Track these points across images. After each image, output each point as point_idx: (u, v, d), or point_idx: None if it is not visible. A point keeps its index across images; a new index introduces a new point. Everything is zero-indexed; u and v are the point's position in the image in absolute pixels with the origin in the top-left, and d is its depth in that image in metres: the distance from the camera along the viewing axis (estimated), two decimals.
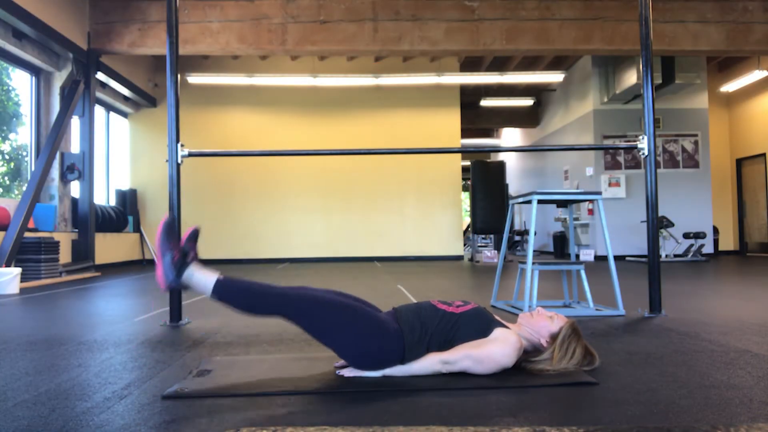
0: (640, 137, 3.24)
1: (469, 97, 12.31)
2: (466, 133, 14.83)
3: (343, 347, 1.77)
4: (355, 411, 1.49)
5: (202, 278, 1.80)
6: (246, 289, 1.79)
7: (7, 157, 7.09)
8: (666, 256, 9.05)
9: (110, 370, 2.00)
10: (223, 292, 1.78)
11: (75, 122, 7.45)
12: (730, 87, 10.43)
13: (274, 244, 10.23)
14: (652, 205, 3.21)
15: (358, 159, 10.34)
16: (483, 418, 1.42)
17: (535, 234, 5.00)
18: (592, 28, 7.49)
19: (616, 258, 9.41)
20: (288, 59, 10.29)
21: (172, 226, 1.85)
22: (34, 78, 7.09)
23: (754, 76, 9.61)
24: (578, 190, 3.38)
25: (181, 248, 1.83)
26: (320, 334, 1.79)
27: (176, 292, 3.06)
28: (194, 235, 1.92)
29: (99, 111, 9.09)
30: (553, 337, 1.87)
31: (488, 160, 9.96)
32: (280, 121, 10.40)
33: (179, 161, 3.06)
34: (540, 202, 3.34)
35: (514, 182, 15.21)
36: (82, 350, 2.35)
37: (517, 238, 13.58)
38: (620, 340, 2.46)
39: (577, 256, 9.54)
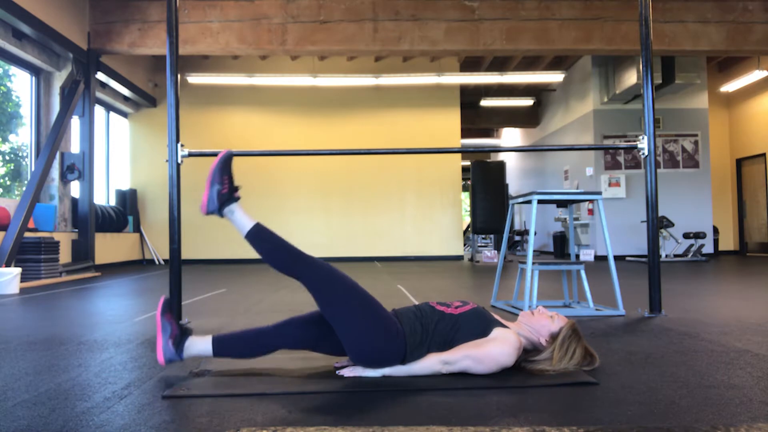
0: (640, 137, 3.24)
1: (469, 97, 12.31)
2: (466, 133, 14.84)
3: (350, 335, 1.76)
4: (355, 411, 1.49)
5: (242, 218, 1.88)
6: (278, 244, 1.86)
7: (7, 157, 7.09)
8: (666, 256, 9.05)
9: (110, 370, 2.00)
10: (257, 236, 1.86)
11: (75, 122, 7.45)
12: (730, 87, 10.43)
13: None
14: (652, 205, 3.21)
15: (358, 159, 10.34)
16: (483, 418, 1.42)
17: (535, 234, 5.00)
18: (592, 28, 7.49)
19: (616, 258, 9.41)
20: (288, 59, 10.29)
21: (230, 161, 1.92)
22: (34, 78, 7.09)
23: (754, 76, 9.61)
24: (578, 190, 3.38)
25: (231, 184, 1.89)
26: (332, 311, 1.77)
27: (176, 298, 3.06)
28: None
29: (99, 111, 9.10)
30: (553, 337, 1.87)
31: (488, 160, 9.97)
32: (280, 121, 10.40)
33: (179, 161, 3.06)
34: (540, 202, 3.34)
35: (514, 182, 15.22)
36: (82, 350, 2.35)
37: (517, 238, 13.59)
38: (620, 340, 2.46)
39: (577, 256, 9.54)
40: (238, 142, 10.21)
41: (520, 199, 3.44)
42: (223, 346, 1.84)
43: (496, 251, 9.85)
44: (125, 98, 9.52)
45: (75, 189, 7.54)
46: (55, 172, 7.17)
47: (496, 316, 1.94)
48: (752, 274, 6.13)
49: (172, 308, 1.90)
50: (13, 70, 6.91)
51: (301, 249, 1.92)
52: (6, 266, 5.41)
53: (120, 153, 10.07)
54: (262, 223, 1.95)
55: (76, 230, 7.44)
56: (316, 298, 1.81)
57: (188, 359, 1.91)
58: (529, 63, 10.83)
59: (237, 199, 1.92)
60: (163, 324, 1.84)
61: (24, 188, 6.83)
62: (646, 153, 3.22)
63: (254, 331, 1.87)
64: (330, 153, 3.47)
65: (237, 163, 8.82)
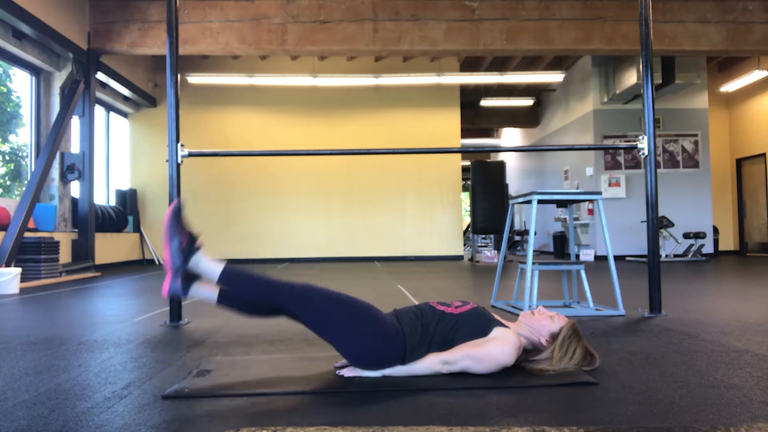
0: (640, 137, 3.24)
1: (469, 97, 12.31)
2: (466, 133, 14.84)
3: (346, 344, 1.77)
4: (355, 411, 1.49)
5: (209, 265, 1.80)
6: (252, 278, 1.79)
7: (7, 157, 7.09)
8: (666, 256, 9.05)
9: (110, 370, 2.00)
10: (230, 278, 1.77)
11: (75, 122, 7.45)
12: (730, 87, 10.43)
13: (274, 244, 10.23)
14: (652, 205, 3.21)
15: (358, 159, 10.34)
16: (483, 418, 1.42)
17: (535, 234, 5.00)
18: (592, 28, 7.49)
19: (616, 258, 9.41)
20: (288, 59, 10.29)
21: (180, 212, 1.85)
22: (34, 78, 7.09)
23: (754, 76, 9.61)
24: (578, 190, 3.38)
25: (189, 234, 1.83)
26: (324, 329, 1.77)
27: (176, 300, 3.05)
28: (177, 212, 1.93)
29: (99, 111, 9.09)
30: (554, 337, 1.87)
31: (488, 160, 9.97)
32: (280, 121, 10.40)
33: (179, 161, 3.06)
34: (540, 202, 3.34)
35: (514, 182, 15.22)
36: (82, 350, 2.35)
37: (517, 238, 13.58)
38: (620, 340, 2.46)
39: (577, 256, 9.54)
40: (238, 142, 10.21)
41: (520, 199, 3.44)
42: (232, 278, 1.75)
43: (496, 251, 9.85)
44: (125, 98, 9.52)
45: (75, 189, 7.54)
46: (55, 172, 7.17)
47: (497, 316, 1.94)
48: (752, 274, 6.13)
49: (183, 215, 1.85)
50: (13, 70, 6.91)
51: (280, 279, 1.87)
52: (6, 266, 5.41)
53: (120, 153, 10.07)
54: (229, 264, 1.88)
55: (76, 230, 7.44)
56: (305, 322, 1.78)
57: (188, 356, 1.90)
58: (529, 63, 10.83)
59: (198, 248, 1.82)
60: (172, 231, 1.77)
61: (24, 188, 6.83)
62: (646, 153, 3.22)
63: (269, 278, 1.78)
64: (330, 153, 3.47)
65: (237, 163, 8.80)
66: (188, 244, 1.81)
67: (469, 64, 10.92)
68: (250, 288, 1.77)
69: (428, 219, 10.51)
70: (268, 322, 3.08)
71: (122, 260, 9.08)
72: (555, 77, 9.76)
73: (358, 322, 1.75)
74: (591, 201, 4.29)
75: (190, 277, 1.84)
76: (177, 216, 1.83)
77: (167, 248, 1.78)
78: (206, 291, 1.84)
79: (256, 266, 8.90)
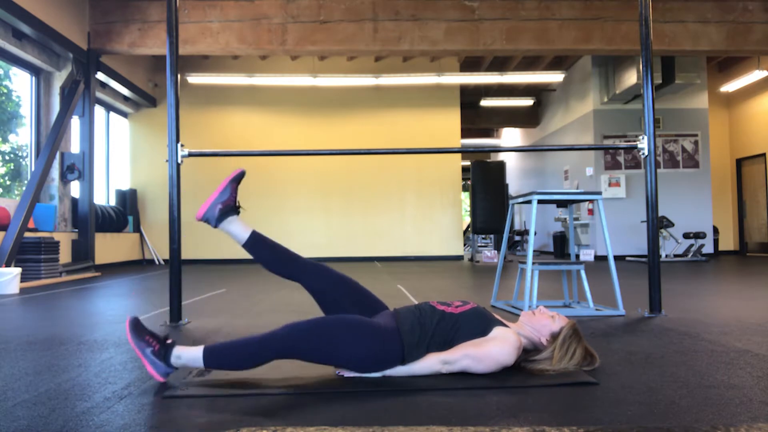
0: (640, 137, 3.24)
1: (469, 97, 12.31)
2: (466, 133, 14.84)
3: (348, 362, 1.76)
4: (355, 411, 1.49)
5: (190, 354, 1.75)
6: (234, 347, 1.75)
7: (7, 157, 7.09)
8: (666, 256, 9.05)
9: (110, 370, 2.00)
10: (214, 358, 1.74)
11: (75, 122, 7.45)
12: (730, 87, 10.43)
13: None
14: (652, 205, 3.21)
15: (358, 159, 10.34)
16: (483, 418, 1.42)
17: (535, 234, 5.01)
18: (592, 28, 7.49)
19: (616, 258, 9.41)
20: (288, 59, 10.30)
21: (137, 323, 1.81)
22: (34, 78, 7.09)
23: (754, 76, 9.61)
24: (578, 190, 3.38)
25: (156, 336, 1.80)
26: (321, 360, 1.76)
27: (176, 298, 3.06)
28: (238, 178, 2.11)
29: (99, 111, 9.10)
30: (554, 337, 1.87)
31: (488, 160, 9.96)
32: (280, 121, 10.40)
33: (179, 161, 3.06)
34: (540, 202, 3.34)
35: (514, 182, 15.22)
36: (82, 350, 2.35)
37: (517, 238, 13.58)
38: (620, 340, 2.46)
39: (577, 256, 9.54)
40: (238, 142, 10.21)
41: (520, 199, 3.44)
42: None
43: (496, 251, 9.85)
44: (125, 98, 9.52)
45: (75, 189, 7.54)
46: (55, 172, 7.17)
47: (497, 316, 1.94)
48: (752, 274, 6.13)
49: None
50: (13, 70, 6.91)
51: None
52: (6, 266, 5.41)
53: (120, 153, 10.07)
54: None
55: (76, 230, 7.44)
56: (305, 359, 1.76)
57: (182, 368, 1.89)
58: (529, 63, 10.83)
59: (173, 344, 1.80)
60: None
61: (24, 188, 6.83)
62: (646, 153, 3.22)
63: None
64: (330, 153, 3.47)
65: (237, 163, 8.80)
66: (161, 347, 1.78)
67: (469, 64, 10.92)
68: (234, 361, 1.76)
69: (428, 219, 10.51)
70: (268, 322, 3.08)
71: (122, 260, 9.08)
72: (555, 77, 9.76)
73: (352, 337, 1.74)
74: (591, 201, 4.29)
75: (165, 349, 1.80)
76: (136, 328, 1.80)
77: (144, 360, 1.77)
78: (190, 354, 1.80)
79: (256, 266, 8.90)
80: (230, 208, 2.07)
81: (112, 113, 9.62)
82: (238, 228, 2.07)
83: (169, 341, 1.79)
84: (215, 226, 2.06)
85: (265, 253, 2.06)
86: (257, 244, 2.06)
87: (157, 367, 1.76)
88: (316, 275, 2.02)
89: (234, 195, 2.09)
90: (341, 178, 10.40)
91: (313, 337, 1.73)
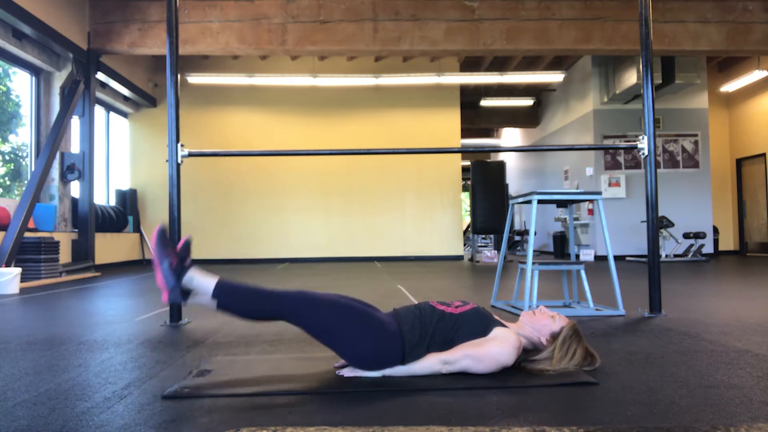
0: (640, 137, 3.24)
1: (469, 97, 12.31)
2: (466, 133, 14.84)
3: (344, 348, 1.77)
4: (355, 411, 1.49)
5: (202, 281, 1.81)
6: (246, 291, 1.80)
7: (7, 157, 7.09)
8: (666, 256, 9.05)
9: (110, 370, 2.00)
10: (223, 293, 1.79)
11: (75, 122, 7.45)
12: (730, 87, 10.43)
13: (274, 244, 10.23)
14: (652, 205, 3.21)
15: (358, 159, 10.34)
16: (483, 418, 1.42)
17: (535, 234, 5.01)
18: (592, 28, 7.49)
19: (616, 258, 9.41)
20: (288, 59, 10.29)
21: (166, 234, 1.87)
22: (34, 78, 7.09)
23: (754, 76, 9.61)
24: (578, 190, 3.38)
25: (178, 254, 1.84)
26: (321, 335, 1.79)
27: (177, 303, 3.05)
28: (187, 245, 1.95)
29: (99, 111, 9.09)
30: (554, 337, 1.87)
31: (488, 160, 9.96)
32: (280, 121, 10.40)
33: (179, 161, 3.06)
34: (540, 202, 3.34)
35: (514, 182, 15.21)
36: (82, 350, 2.35)
37: (517, 238, 13.58)
38: (620, 340, 2.46)
39: (577, 256, 9.54)
40: (238, 142, 10.21)
41: (520, 199, 3.44)
42: (226, 291, 1.77)
43: (496, 251, 9.85)
44: (125, 98, 9.52)
45: (75, 189, 7.54)
46: (55, 172, 7.17)
47: (496, 317, 1.94)
48: (752, 274, 6.13)
49: (169, 236, 1.87)
50: (13, 69, 6.91)
51: (269, 287, 1.89)
52: (6, 266, 5.41)
53: (120, 153, 10.07)
54: (224, 278, 1.87)
55: (76, 230, 7.44)
56: (305, 329, 1.79)
57: (187, 355, 1.90)
58: (529, 63, 10.83)
59: (189, 266, 1.83)
60: (160, 254, 1.79)
61: (24, 188, 6.83)
62: (646, 153, 3.22)
63: (263, 290, 1.81)
64: (330, 153, 3.47)
65: (237, 163, 8.81)
66: (179, 264, 1.83)
67: (469, 64, 10.92)
68: (244, 301, 1.79)
69: (428, 219, 10.51)
70: (268, 323, 3.08)
71: (122, 260, 9.08)
72: (555, 77, 9.76)
73: (355, 325, 1.76)
74: (591, 201, 4.29)
75: (186, 291, 1.85)
76: (163, 238, 1.85)
77: (158, 270, 1.80)
78: (203, 282, 1.84)
79: (256, 266, 8.90)
80: (179, 269, 1.83)
81: (112, 113, 9.62)
82: (201, 283, 1.83)
83: (187, 263, 1.84)
84: (183, 290, 1.85)
85: (237, 299, 1.82)
86: (225, 292, 1.81)
87: (168, 281, 1.80)
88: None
89: (172, 255, 1.85)
90: (341, 178, 10.40)
91: (324, 315, 1.75)
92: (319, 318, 1.76)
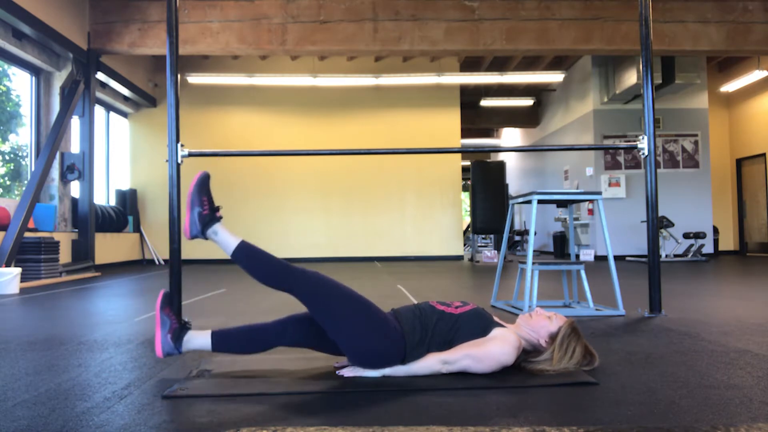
0: (640, 137, 3.24)
1: (469, 97, 12.31)
2: (466, 133, 14.84)
3: (349, 339, 1.76)
4: (355, 411, 1.49)
5: (226, 237, 1.86)
6: (265, 259, 1.84)
7: (7, 157, 7.09)
8: (666, 256, 9.05)
9: (110, 370, 2.00)
10: (243, 255, 1.83)
11: (75, 122, 7.45)
12: (730, 87, 10.43)
13: (274, 244, 10.23)
14: (652, 205, 3.21)
15: (358, 159, 10.34)
16: (483, 418, 1.42)
17: (535, 234, 5.01)
18: (592, 28, 7.49)
19: (616, 258, 9.41)
20: (288, 59, 10.29)
21: (207, 182, 1.89)
22: (34, 78, 7.09)
23: (754, 76, 9.61)
24: (578, 190, 3.38)
25: (211, 205, 1.86)
26: (328, 321, 1.77)
27: (176, 298, 3.06)
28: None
29: (99, 111, 9.10)
30: (552, 337, 1.87)
31: (488, 160, 9.96)
32: (280, 121, 10.40)
33: (179, 161, 3.06)
34: (540, 202, 3.34)
35: (514, 182, 15.21)
36: (82, 350, 2.35)
37: (517, 238, 13.58)
38: (620, 340, 2.46)
39: (577, 256, 9.54)
40: (238, 142, 10.21)
41: (520, 199, 3.44)
42: (223, 341, 1.84)
43: (496, 251, 9.85)
44: (125, 98, 9.52)
45: (75, 189, 7.54)
46: (55, 172, 7.17)
47: (496, 318, 1.94)
48: (752, 274, 6.13)
49: (172, 302, 1.90)
50: (13, 69, 6.91)
51: (287, 261, 1.93)
52: (6, 266, 5.41)
53: (120, 153, 10.07)
54: (246, 240, 1.92)
55: (76, 230, 7.44)
56: (310, 308, 1.80)
57: (187, 353, 1.91)
58: (529, 63, 10.83)
59: (219, 219, 1.88)
60: (162, 318, 1.84)
61: (24, 188, 6.83)
62: (646, 153, 3.22)
63: (254, 327, 1.87)
64: (330, 153, 3.46)
65: (237, 163, 8.79)
66: (209, 213, 1.87)
67: (469, 64, 10.92)
68: (263, 265, 1.82)
69: (428, 219, 10.51)
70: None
71: (122, 260, 9.08)
72: (555, 77, 9.76)
73: (364, 318, 1.76)
74: (591, 201, 4.29)
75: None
76: (202, 185, 1.88)
77: (188, 215, 1.83)
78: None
79: None
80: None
81: (112, 113, 9.62)
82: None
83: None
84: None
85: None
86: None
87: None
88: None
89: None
90: (341, 178, 10.40)
91: (332, 297, 1.77)
92: (331, 303, 1.77)
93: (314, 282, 1.80)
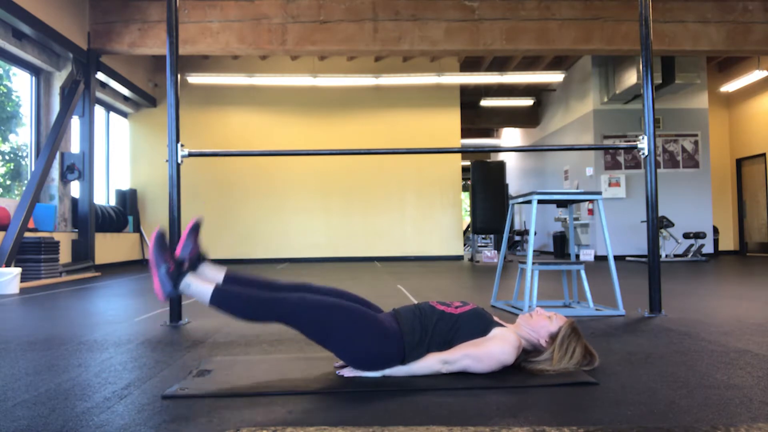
0: (640, 137, 3.24)
1: (469, 97, 12.31)
2: (466, 133, 14.82)
3: (344, 351, 1.77)
4: (355, 411, 1.49)
5: (200, 288, 1.79)
6: (243, 298, 1.78)
7: (7, 157, 7.09)
8: (666, 256, 9.05)
9: (110, 370, 2.00)
10: (221, 301, 1.77)
11: (75, 122, 7.45)
12: (730, 87, 10.43)
13: (274, 244, 10.23)
14: (652, 205, 3.21)
15: (358, 159, 10.34)
16: (483, 418, 1.42)
17: (535, 234, 5.01)
18: (592, 28, 7.49)
19: (616, 258, 9.41)
20: (288, 59, 10.29)
21: (164, 238, 1.85)
22: (34, 78, 7.09)
23: (754, 76, 9.61)
24: (578, 190, 3.38)
25: (176, 259, 1.83)
26: (321, 339, 1.78)
27: (176, 298, 3.06)
28: (196, 228, 1.97)
29: (99, 111, 9.09)
30: (552, 337, 1.87)
31: (488, 160, 9.97)
32: (280, 121, 10.40)
33: (179, 161, 3.06)
34: (540, 202, 3.34)
35: (514, 182, 15.21)
36: (82, 350, 2.35)
37: (517, 238, 13.58)
38: (620, 340, 2.46)
39: (577, 256, 9.54)
40: (238, 142, 10.21)
41: (520, 199, 3.44)
42: (224, 299, 1.76)
43: (496, 251, 9.85)
44: (125, 98, 9.52)
45: (75, 189, 7.54)
46: (55, 172, 7.17)
47: (496, 318, 1.94)
48: (752, 274, 6.13)
49: (167, 241, 1.86)
50: (13, 69, 6.91)
51: (266, 285, 1.90)
52: (6, 266, 5.41)
53: (120, 153, 10.07)
54: (227, 275, 1.89)
55: (76, 230, 7.44)
56: (302, 332, 1.79)
57: (186, 352, 1.90)
58: (529, 63, 10.83)
59: (187, 271, 1.82)
60: (158, 258, 1.78)
61: (24, 188, 6.82)
62: (646, 153, 3.22)
63: (260, 295, 1.80)
64: (330, 153, 3.47)
65: (237, 163, 8.79)
66: (176, 269, 1.81)
67: (469, 64, 10.91)
68: (243, 307, 1.77)
69: (428, 219, 10.51)
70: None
71: (122, 260, 9.08)
72: (555, 77, 9.76)
73: (354, 327, 1.75)
74: (591, 201, 4.29)
75: (180, 269, 1.83)
76: (161, 243, 1.83)
77: (156, 277, 1.78)
78: (201, 288, 1.83)
79: (256, 266, 8.89)
80: (176, 275, 1.84)
81: (112, 113, 9.62)
82: (198, 289, 1.82)
83: (184, 267, 1.83)
84: (180, 294, 1.89)
85: (234, 307, 1.81)
86: (221, 300, 1.81)
87: (165, 286, 1.79)
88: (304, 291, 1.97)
89: (169, 260, 1.86)
90: (341, 178, 10.40)
91: (322, 317, 1.75)
92: (318, 322, 1.76)
93: (299, 309, 1.76)
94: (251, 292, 1.81)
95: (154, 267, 1.81)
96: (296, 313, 1.76)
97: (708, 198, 10.04)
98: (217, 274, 1.95)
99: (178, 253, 1.93)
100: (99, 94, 8.68)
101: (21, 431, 1.36)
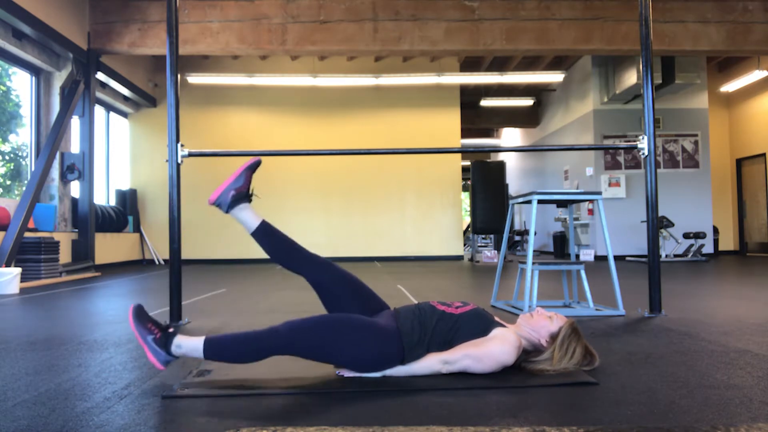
0: (640, 137, 3.24)
1: (469, 97, 12.31)
2: (466, 133, 14.84)
3: (343, 360, 1.77)
4: (355, 411, 1.49)
5: (190, 345, 1.77)
6: (235, 341, 1.77)
7: (7, 157, 7.09)
8: (666, 256, 9.05)
9: (110, 370, 2.00)
10: (214, 351, 1.76)
11: (75, 122, 7.45)
12: (730, 87, 10.43)
13: None
14: (652, 205, 3.21)
15: (358, 159, 10.34)
16: (483, 418, 1.42)
17: (535, 234, 5.01)
18: (592, 28, 7.49)
19: (616, 258, 9.41)
20: (288, 59, 10.29)
21: (142, 310, 1.83)
22: (34, 78, 7.09)
23: (754, 76, 9.61)
24: (578, 190, 3.38)
25: (158, 324, 1.82)
26: (322, 359, 1.78)
27: (176, 298, 3.06)
28: (254, 166, 2.10)
29: (99, 111, 9.09)
30: (553, 337, 1.87)
31: (488, 160, 9.97)
32: (280, 121, 10.40)
33: (179, 161, 3.06)
34: (540, 202, 3.34)
35: (514, 182, 15.21)
36: (82, 350, 2.35)
37: (517, 238, 13.58)
38: (620, 340, 2.46)
39: (577, 256, 9.54)
40: (238, 142, 10.21)
41: (520, 199, 3.44)
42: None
43: (496, 251, 9.85)
44: (125, 98, 9.52)
45: (75, 189, 7.54)
46: (55, 172, 7.17)
47: (496, 318, 1.94)
48: (752, 274, 6.13)
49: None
50: (13, 69, 6.91)
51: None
52: (6, 266, 5.41)
53: (120, 153, 10.07)
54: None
55: (76, 230, 7.44)
56: (303, 357, 1.78)
57: (185, 358, 1.90)
58: (529, 63, 10.83)
59: (174, 333, 1.82)
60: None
61: (24, 188, 6.83)
62: (646, 153, 3.22)
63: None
64: (330, 153, 3.47)
65: (237, 163, 8.81)
66: (163, 335, 1.80)
67: (469, 64, 10.91)
68: (234, 354, 1.77)
69: (428, 219, 10.51)
70: (268, 322, 3.08)
71: (122, 260, 9.08)
72: (555, 77, 9.76)
73: (350, 337, 1.74)
74: (591, 201, 4.29)
75: (166, 338, 1.82)
76: (139, 314, 1.82)
77: (146, 348, 1.78)
78: (191, 344, 1.81)
79: (256, 266, 8.89)
80: (243, 195, 2.08)
81: (112, 113, 9.62)
82: (249, 216, 2.07)
83: (170, 330, 1.81)
84: (226, 212, 2.08)
85: (272, 243, 2.06)
86: (266, 233, 2.07)
87: (158, 354, 1.77)
88: (319, 269, 2.08)
89: (248, 183, 2.10)
90: (341, 178, 10.40)
91: (314, 337, 1.74)
92: (313, 345, 1.74)
93: (288, 337, 1.74)
94: (240, 336, 1.77)
95: (141, 340, 1.78)
96: (290, 343, 1.74)
97: (708, 198, 10.04)
98: (255, 220, 2.07)
99: (228, 184, 2.06)
100: (99, 94, 8.68)
101: (21, 431, 1.36)
